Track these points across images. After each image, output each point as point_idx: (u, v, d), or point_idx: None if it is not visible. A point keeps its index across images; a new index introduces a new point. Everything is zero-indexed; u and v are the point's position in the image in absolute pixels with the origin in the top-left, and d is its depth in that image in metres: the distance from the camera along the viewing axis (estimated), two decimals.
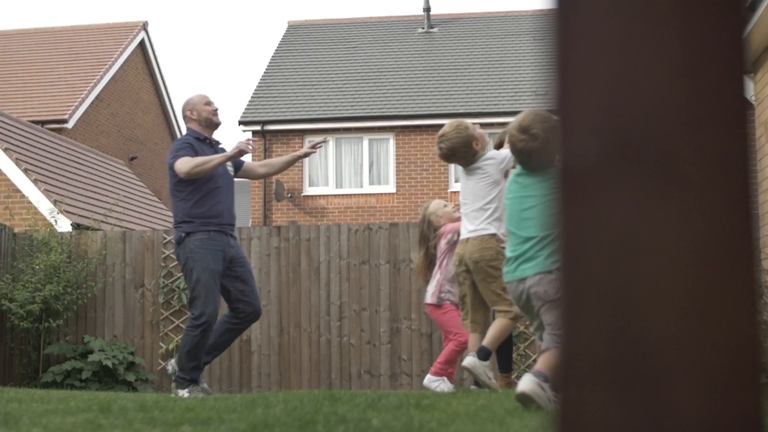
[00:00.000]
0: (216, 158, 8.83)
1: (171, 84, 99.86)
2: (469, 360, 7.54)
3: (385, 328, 13.61)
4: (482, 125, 27.05)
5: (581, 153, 0.85)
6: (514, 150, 6.20)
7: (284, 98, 28.53)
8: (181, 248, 9.00)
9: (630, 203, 0.83)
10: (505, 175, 7.77)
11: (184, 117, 9.35)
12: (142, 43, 32.94)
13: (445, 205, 8.83)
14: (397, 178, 27.18)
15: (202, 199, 8.89)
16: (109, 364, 13.34)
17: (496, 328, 7.33)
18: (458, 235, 8.23)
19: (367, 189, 27.41)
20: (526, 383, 5.39)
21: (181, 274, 14.03)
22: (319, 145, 9.45)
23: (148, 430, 4.00)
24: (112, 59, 30.57)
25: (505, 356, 9.07)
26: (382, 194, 27.26)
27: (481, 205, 7.75)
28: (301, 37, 32.32)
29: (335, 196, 27.40)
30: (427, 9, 32.40)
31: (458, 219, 8.67)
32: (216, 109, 9.35)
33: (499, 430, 3.51)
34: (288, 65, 30.58)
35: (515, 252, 6.16)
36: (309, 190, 27.51)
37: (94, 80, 29.41)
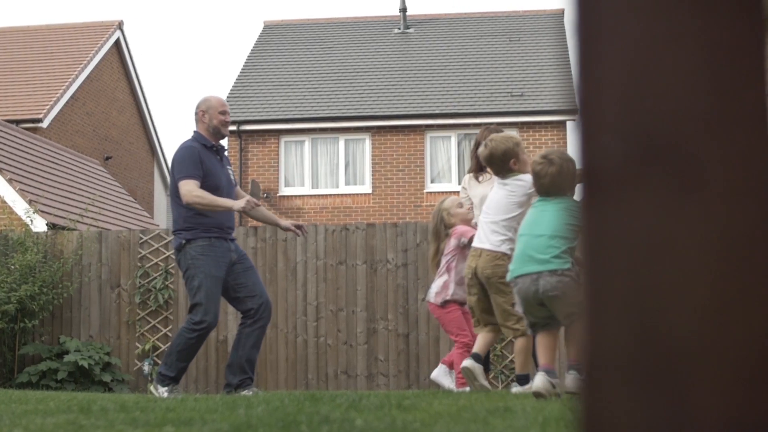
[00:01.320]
0: (221, 203, 8.78)
1: (146, 83, 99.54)
2: (469, 362, 7.69)
3: (362, 329, 13.61)
4: (458, 126, 27.09)
5: (605, 154, 0.86)
6: (532, 173, 6.82)
7: (260, 98, 28.50)
8: (182, 255, 9.00)
9: (653, 204, 0.83)
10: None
11: (195, 114, 9.30)
12: (117, 43, 32.83)
13: (460, 205, 8.83)
14: (373, 179, 27.19)
15: (204, 209, 8.89)
16: (85, 364, 13.29)
17: (518, 351, 7.40)
18: (469, 239, 8.34)
19: (343, 189, 27.41)
20: (540, 382, 6.35)
21: (157, 274, 14.05)
22: (300, 231, 9.46)
23: (130, 431, 3.99)
24: (88, 58, 30.46)
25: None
26: (358, 194, 27.26)
27: (501, 219, 7.96)
28: (277, 37, 32.29)
29: (311, 196, 27.39)
30: (404, 9, 32.43)
31: (471, 220, 8.76)
32: (227, 121, 9.31)
33: (483, 430, 3.52)
34: (264, 65, 30.54)
35: (523, 249, 6.69)
36: (285, 191, 27.48)
37: (69, 79, 29.29)
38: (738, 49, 0.80)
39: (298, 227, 9.47)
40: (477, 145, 10.01)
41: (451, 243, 8.66)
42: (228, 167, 9.37)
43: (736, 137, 0.80)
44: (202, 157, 8.98)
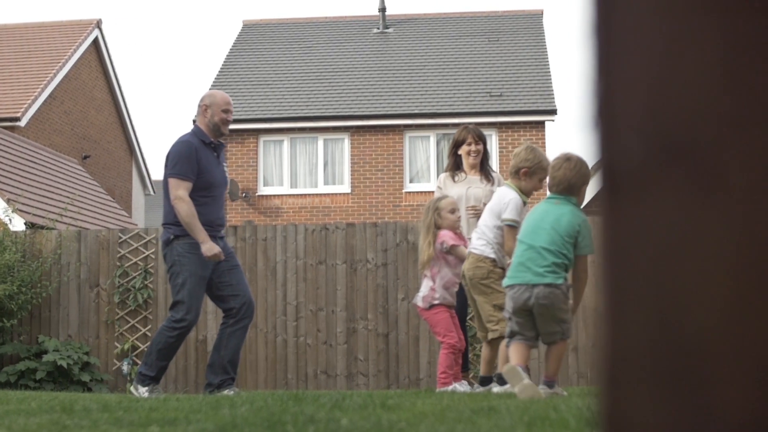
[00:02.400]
0: (196, 231, 8.71)
1: (125, 82, 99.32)
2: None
3: (342, 328, 13.61)
4: (437, 126, 27.09)
5: (625, 155, 0.86)
6: (549, 167, 7.21)
7: (239, 98, 28.44)
8: (168, 249, 8.96)
9: (674, 204, 0.84)
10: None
11: (198, 107, 9.24)
12: (96, 41, 32.72)
13: (453, 210, 8.80)
14: (351, 179, 27.18)
15: (196, 206, 8.85)
16: (64, 364, 13.24)
17: (553, 357, 7.25)
18: (450, 246, 8.46)
19: (322, 189, 27.40)
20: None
21: (136, 274, 14.01)
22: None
23: (114, 431, 3.98)
24: (66, 57, 30.35)
25: (462, 357, 9.24)
26: (336, 194, 27.25)
27: (493, 224, 8.23)
28: (256, 37, 32.24)
29: (290, 195, 27.36)
30: (383, 9, 32.43)
31: (458, 228, 8.82)
32: (229, 120, 9.24)
33: (470, 430, 3.53)
34: (243, 65, 30.50)
35: (521, 258, 6.93)
36: (263, 190, 27.45)
37: (48, 78, 29.18)
38: (760, 49, 0.80)
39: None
40: (454, 144, 10.04)
41: (436, 246, 8.70)
42: (224, 164, 9.33)
43: (757, 137, 0.80)
44: (199, 154, 8.94)
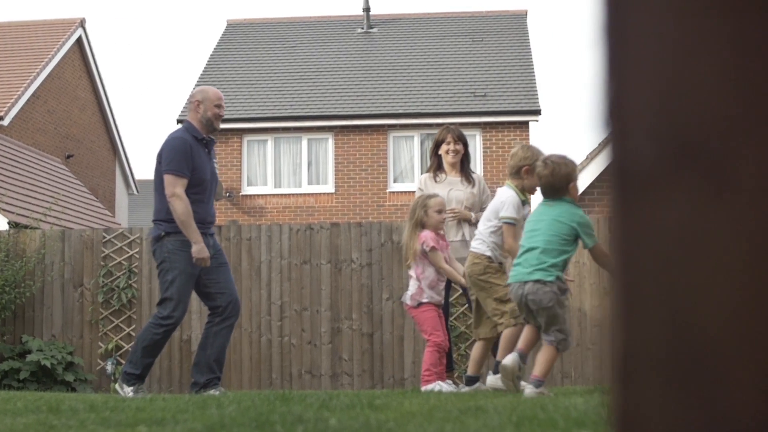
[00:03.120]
0: (190, 230, 8.68)
1: (108, 82, 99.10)
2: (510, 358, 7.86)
3: (326, 328, 13.61)
4: (421, 126, 27.11)
5: (637, 156, 0.87)
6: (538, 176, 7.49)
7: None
8: (158, 246, 8.92)
9: (685, 205, 0.84)
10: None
11: (190, 103, 9.22)
12: (79, 40, 32.62)
13: (440, 211, 8.87)
14: (336, 178, 27.18)
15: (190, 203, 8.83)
16: (48, 364, 13.20)
17: (543, 359, 7.41)
18: (430, 248, 8.54)
19: (306, 189, 27.38)
20: (509, 359, 7.27)
21: (120, 273, 13.98)
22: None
23: (102, 431, 3.98)
24: (49, 56, 30.26)
25: (446, 357, 9.31)
26: (320, 194, 27.24)
27: (491, 223, 8.43)
28: (240, 36, 32.21)
29: (274, 195, 27.34)
30: (367, 9, 32.42)
31: (441, 229, 8.91)
32: (222, 115, 9.24)
33: (459, 430, 3.53)
34: (227, 64, 30.46)
35: (519, 259, 7.38)
36: (247, 190, 27.43)
37: (31, 77, 29.09)
38: None
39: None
40: (435, 144, 10.07)
41: (417, 248, 8.74)
42: (214, 160, 9.31)
43: (767, 139, 0.81)
44: (193, 151, 8.92)
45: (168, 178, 8.79)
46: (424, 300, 8.70)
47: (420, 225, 8.77)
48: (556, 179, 7.27)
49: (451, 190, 9.79)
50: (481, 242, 8.45)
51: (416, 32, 31.82)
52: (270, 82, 29.18)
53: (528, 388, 7.14)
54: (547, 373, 7.31)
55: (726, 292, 0.81)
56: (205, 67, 30.32)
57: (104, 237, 14.13)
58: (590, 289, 13.00)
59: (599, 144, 18.30)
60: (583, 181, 18.10)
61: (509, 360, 7.36)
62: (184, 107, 27.74)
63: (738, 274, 0.81)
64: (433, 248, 8.67)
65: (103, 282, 13.98)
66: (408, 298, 8.78)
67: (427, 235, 8.70)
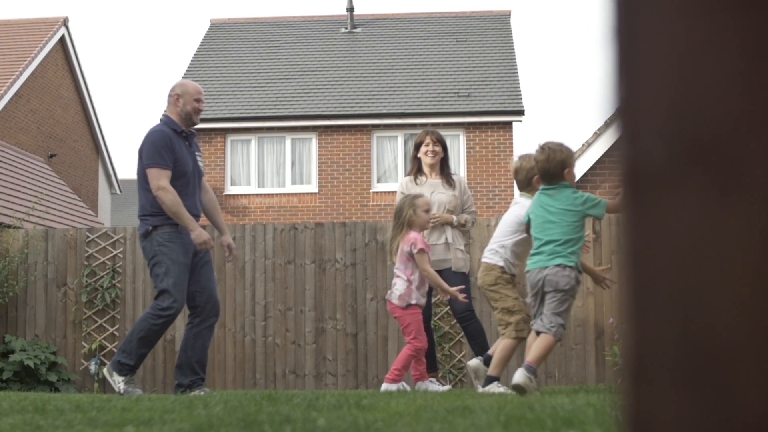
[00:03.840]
0: (184, 218, 8.66)
1: (91, 81, 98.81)
2: (475, 362, 8.53)
3: (310, 328, 13.60)
4: (405, 126, 27.10)
5: (647, 156, 0.87)
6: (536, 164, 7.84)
7: (207, 97, 28.31)
8: (147, 241, 8.87)
9: (697, 205, 0.85)
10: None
11: (169, 96, 9.18)
12: (62, 39, 32.52)
13: (428, 210, 8.95)
14: (319, 178, 27.17)
15: None
16: (31, 364, 13.17)
17: (539, 345, 7.71)
18: (418, 249, 8.57)
19: (290, 189, 27.36)
20: (518, 376, 7.30)
21: (104, 273, 13.94)
22: (230, 255, 9.45)
23: (90, 431, 3.97)
24: (32, 55, 30.16)
25: (430, 357, 9.37)
26: (304, 194, 27.22)
27: (509, 235, 8.62)
28: (223, 36, 32.17)
29: (257, 195, 27.31)
30: (351, 9, 32.41)
31: (427, 229, 8.99)
32: (201, 109, 9.21)
33: (448, 429, 3.54)
34: (210, 64, 30.42)
35: (537, 250, 7.67)
36: (231, 189, 27.39)
37: (13, 76, 28.99)
38: None
39: (230, 251, 9.43)
40: (415, 146, 10.09)
41: (404, 249, 8.76)
42: (197, 154, 9.27)
43: None
44: (173, 143, 8.89)
45: (151, 172, 8.76)
46: (413, 302, 8.74)
47: (408, 224, 8.79)
48: (552, 165, 7.62)
49: (433, 192, 9.81)
50: (494, 253, 8.60)
51: (400, 32, 31.83)
52: (253, 82, 29.16)
53: (519, 372, 7.40)
54: (541, 361, 7.57)
55: (737, 292, 0.82)
56: (188, 67, 30.27)
57: (88, 236, 14.10)
58: None
59: (582, 145, 18.33)
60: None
61: (520, 377, 7.44)
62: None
63: (749, 273, 0.81)
64: (421, 250, 8.71)
65: (86, 282, 13.95)
66: (396, 297, 8.78)
67: (416, 237, 8.74)
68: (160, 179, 8.71)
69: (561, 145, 7.75)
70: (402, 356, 8.75)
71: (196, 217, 9.04)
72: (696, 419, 0.82)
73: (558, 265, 7.54)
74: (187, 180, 8.95)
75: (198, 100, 9.13)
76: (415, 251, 8.70)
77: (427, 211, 8.93)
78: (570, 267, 7.54)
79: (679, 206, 0.85)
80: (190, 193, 9.00)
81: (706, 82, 0.85)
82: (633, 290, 0.87)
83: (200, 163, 9.30)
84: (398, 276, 8.82)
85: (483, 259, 8.73)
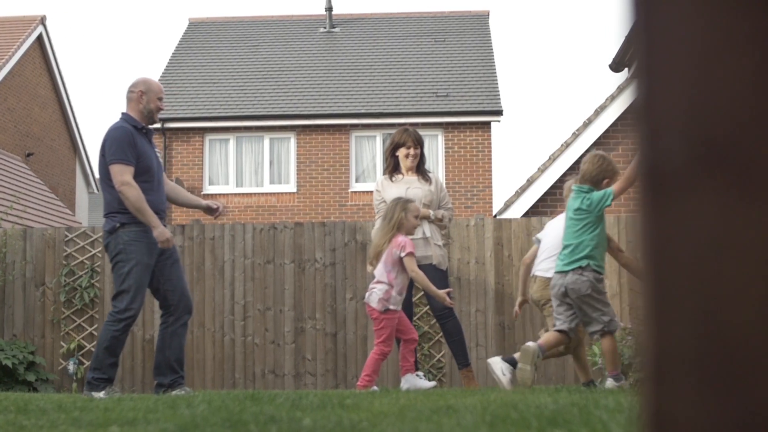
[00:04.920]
0: (147, 215, 8.60)
1: (69, 80, 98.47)
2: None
3: (290, 328, 13.60)
4: (383, 125, 27.12)
5: (667, 156, 0.88)
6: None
7: (185, 96, 28.31)
8: (112, 238, 8.80)
9: (716, 204, 0.85)
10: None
11: (131, 93, 9.12)
12: (39, 38, 32.40)
13: (417, 215, 9.01)
14: (297, 178, 27.15)
15: None
16: (9, 363, 13.11)
17: (606, 351, 8.23)
18: (407, 253, 8.60)
19: (268, 188, 27.33)
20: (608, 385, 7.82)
21: (82, 272, 13.90)
22: (217, 213, 9.43)
23: (74, 431, 3.96)
24: (9, 53, 30.03)
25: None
26: (282, 193, 27.20)
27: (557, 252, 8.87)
28: (202, 35, 32.12)
29: (235, 194, 27.28)
30: (329, 9, 32.40)
31: (413, 234, 9.06)
32: (162, 109, 9.23)
33: (433, 429, 3.55)
34: (189, 63, 30.36)
35: (559, 256, 8.18)
36: (209, 189, 27.34)
37: None
38: None
39: (218, 209, 9.40)
40: (392, 146, 10.09)
41: (393, 252, 8.78)
42: (156, 150, 9.26)
43: None
44: (135, 139, 8.86)
45: (115, 168, 8.71)
46: (391, 306, 8.77)
47: (398, 227, 8.83)
48: (599, 171, 8.15)
49: (408, 188, 9.84)
50: (551, 268, 8.80)
51: (378, 32, 31.84)
52: (232, 81, 29.12)
53: (609, 382, 7.98)
54: (618, 363, 8.06)
55: (757, 291, 0.83)
56: (166, 66, 30.21)
57: (66, 236, 14.06)
58: None
59: (561, 145, 18.39)
60: (543, 183, 18.17)
61: (531, 344, 8.06)
62: None
63: (767, 272, 0.82)
64: (410, 254, 8.75)
65: (65, 281, 13.91)
66: (375, 300, 8.79)
67: (405, 241, 8.79)
68: (124, 175, 8.67)
69: (611, 159, 8.34)
70: (370, 361, 8.78)
71: (163, 212, 9.01)
72: (715, 418, 0.83)
73: (574, 270, 7.97)
74: (152, 175, 8.92)
75: (160, 99, 9.15)
76: (403, 254, 8.73)
77: (417, 216, 8.98)
78: (584, 267, 7.94)
79: (698, 206, 0.86)
80: (155, 188, 8.96)
81: (726, 82, 0.85)
82: (652, 290, 0.88)
83: (159, 159, 9.29)
84: (380, 280, 8.82)
85: (539, 273, 9.18)
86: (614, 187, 8.01)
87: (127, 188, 8.64)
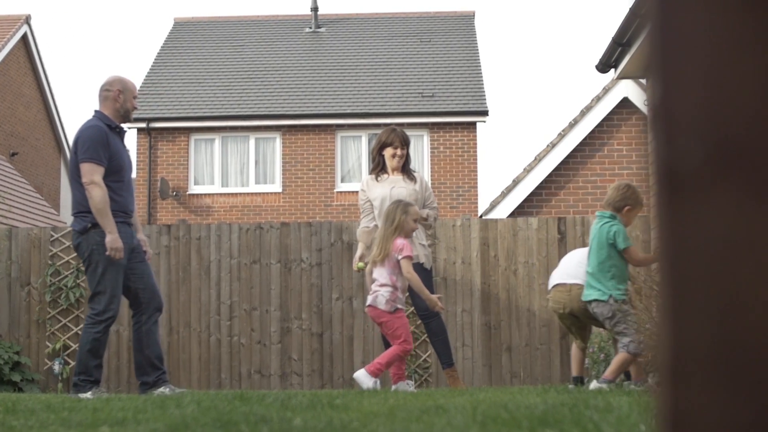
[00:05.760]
0: (106, 221, 8.57)
1: (54, 79, 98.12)
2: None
3: (276, 328, 13.58)
4: (369, 126, 27.11)
5: (684, 156, 0.88)
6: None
7: (170, 96, 28.28)
8: (84, 238, 8.74)
9: (733, 204, 0.86)
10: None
11: (106, 91, 9.08)
12: (24, 37, 32.31)
13: (416, 220, 9.09)
14: (283, 178, 27.14)
15: (109, 192, 8.71)
16: None
17: (616, 360, 8.67)
18: (405, 256, 8.68)
19: (253, 188, 27.32)
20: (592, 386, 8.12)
21: (68, 272, 13.86)
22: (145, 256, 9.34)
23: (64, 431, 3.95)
24: None
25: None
26: (268, 193, 27.19)
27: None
28: (187, 34, 32.07)
29: (221, 194, 27.26)
30: (315, 9, 32.40)
31: (410, 237, 9.13)
32: (136, 108, 9.24)
33: (425, 429, 3.55)
34: (174, 62, 30.32)
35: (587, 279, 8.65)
36: (194, 189, 27.31)
37: None
38: None
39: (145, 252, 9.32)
40: (379, 144, 10.09)
41: (392, 255, 8.82)
42: (127, 150, 9.24)
43: None
44: (109, 139, 8.83)
45: (86, 166, 8.67)
46: (399, 306, 8.85)
47: (400, 229, 8.89)
48: (622, 199, 8.64)
49: (393, 187, 9.86)
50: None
51: (364, 32, 31.84)
52: (217, 81, 29.09)
53: (594, 384, 8.35)
54: (616, 375, 8.42)
55: None
56: (152, 66, 30.16)
57: (52, 236, 14.02)
58: (539, 290, 13.08)
59: (547, 146, 18.42)
60: (529, 184, 18.19)
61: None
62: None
63: None
64: (408, 257, 8.80)
65: (50, 281, 13.87)
66: (383, 303, 8.81)
67: (404, 244, 8.84)
68: (93, 174, 8.63)
69: (636, 190, 8.79)
70: (389, 353, 8.81)
71: (132, 212, 8.99)
72: (733, 418, 0.84)
73: (594, 301, 8.55)
74: (123, 175, 8.89)
75: (135, 98, 9.15)
76: (400, 257, 8.78)
77: (416, 220, 9.05)
78: (603, 301, 8.47)
79: (715, 207, 0.86)
80: (125, 188, 8.95)
81: (741, 84, 0.86)
82: (669, 290, 0.88)
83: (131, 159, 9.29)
84: (384, 283, 8.84)
85: (580, 282, 9.25)
86: (633, 252, 8.53)
87: (94, 187, 8.59)
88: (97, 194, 8.58)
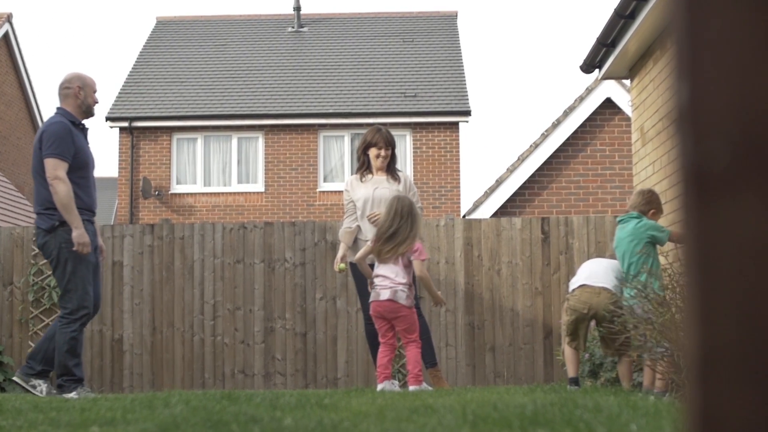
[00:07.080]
0: (72, 216, 8.53)
1: (35, 78, 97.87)
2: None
3: (259, 328, 13.57)
4: (351, 125, 27.13)
5: (712, 157, 0.89)
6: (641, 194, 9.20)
7: (152, 95, 28.22)
8: (51, 237, 8.66)
9: (761, 205, 0.86)
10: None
11: (66, 89, 9.04)
12: (6, 36, 32.18)
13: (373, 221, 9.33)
14: (265, 177, 27.12)
15: (74, 188, 8.67)
16: None
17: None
18: (423, 257, 9.08)
19: (236, 188, 27.30)
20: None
21: (51, 272, 13.81)
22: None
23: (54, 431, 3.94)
24: None
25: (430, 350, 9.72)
26: (250, 193, 27.17)
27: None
28: (169, 33, 32.01)
29: (203, 194, 27.22)
30: (297, 8, 32.37)
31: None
32: (97, 103, 9.21)
33: (417, 429, 3.56)
34: (156, 61, 30.26)
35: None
36: (177, 188, 27.27)
37: None
38: None
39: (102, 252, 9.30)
40: (364, 144, 10.09)
41: (406, 255, 8.94)
42: (89, 147, 9.21)
43: None
44: (73, 135, 8.79)
45: (50, 162, 8.61)
46: (414, 303, 9.07)
47: (419, 231, 9.18)
48: (644, 204, 8.91)
49: (376, 188, 9.86)
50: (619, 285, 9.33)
51: (347, 32, 31.84)
52: (200, 80, 29.05)
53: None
54: (626, 382, 8.96)
55: None
56: (134, 64, 30.10)
57: (35, 235, 13.97)
58: (522, 289, 13.11)
59: (530, 146, 18.45)
60: (512, 184, 18.23)
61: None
62: (114, 104, 27.53)
63: None
64: (420, 259, 9.03)
65: (33, 280, 13.83)
66: (404, 298, 8.92)
67: (420, 246, 9.05)
68: (57, 170, 8.58)
69: (658, 196, 9.16)
70: (414, 357, 9.02)
71: (93, 212, 8.95)
72: (761, 417, 0.84)
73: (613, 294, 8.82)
74: (87, 171, 8.87)
75: (95, 92, 9.12)
76: (414, 258, 8.99)
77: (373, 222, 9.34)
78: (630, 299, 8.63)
79: (743, 207, 0.87)
80: (90, 185, 8.92)
81: None
82: (697, 291, 0.89)
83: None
84: (399, 281, 8.94)
85: (608, 286, 9.32)
86: (675, 235, 8.69)
87: (59, 183, 8.54)
88: (62, 189, 8.53)
